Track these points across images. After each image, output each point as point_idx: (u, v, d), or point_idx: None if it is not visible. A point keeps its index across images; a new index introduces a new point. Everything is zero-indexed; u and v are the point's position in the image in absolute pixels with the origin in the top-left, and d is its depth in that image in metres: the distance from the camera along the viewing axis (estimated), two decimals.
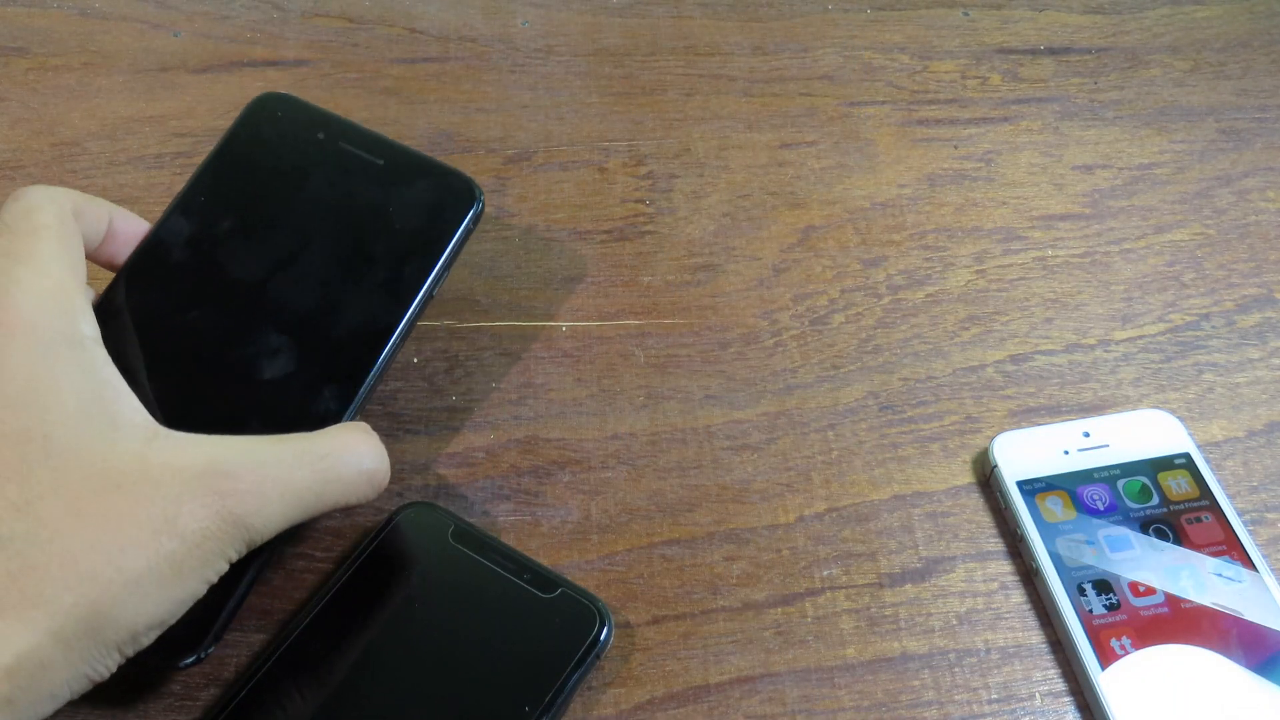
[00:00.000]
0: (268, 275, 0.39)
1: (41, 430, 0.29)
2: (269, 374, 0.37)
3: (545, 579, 0.37)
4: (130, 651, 0.29)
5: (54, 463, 0.29)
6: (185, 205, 0.42)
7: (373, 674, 0.34)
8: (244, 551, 0.31)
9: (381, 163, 0.41)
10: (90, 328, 0.33)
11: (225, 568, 0.31)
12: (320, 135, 0.43)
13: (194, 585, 0.30)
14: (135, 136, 0.53)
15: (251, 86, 0.56)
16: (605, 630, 0.36)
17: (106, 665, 0.29)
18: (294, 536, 0.39)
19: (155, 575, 0.28)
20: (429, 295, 0.39)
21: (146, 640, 0.30)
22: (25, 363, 0.30)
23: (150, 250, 0.40)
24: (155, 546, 0.28)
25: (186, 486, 0.29)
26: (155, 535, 0.28)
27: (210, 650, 0.34)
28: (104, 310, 0.38)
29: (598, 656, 0.36)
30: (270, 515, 0.31)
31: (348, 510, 0.40)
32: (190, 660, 0.34)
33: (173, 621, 0.30)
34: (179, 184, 0.51)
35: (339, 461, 0.33)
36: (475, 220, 0.40)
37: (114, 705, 0.35)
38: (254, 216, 0.41)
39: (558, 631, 0.36)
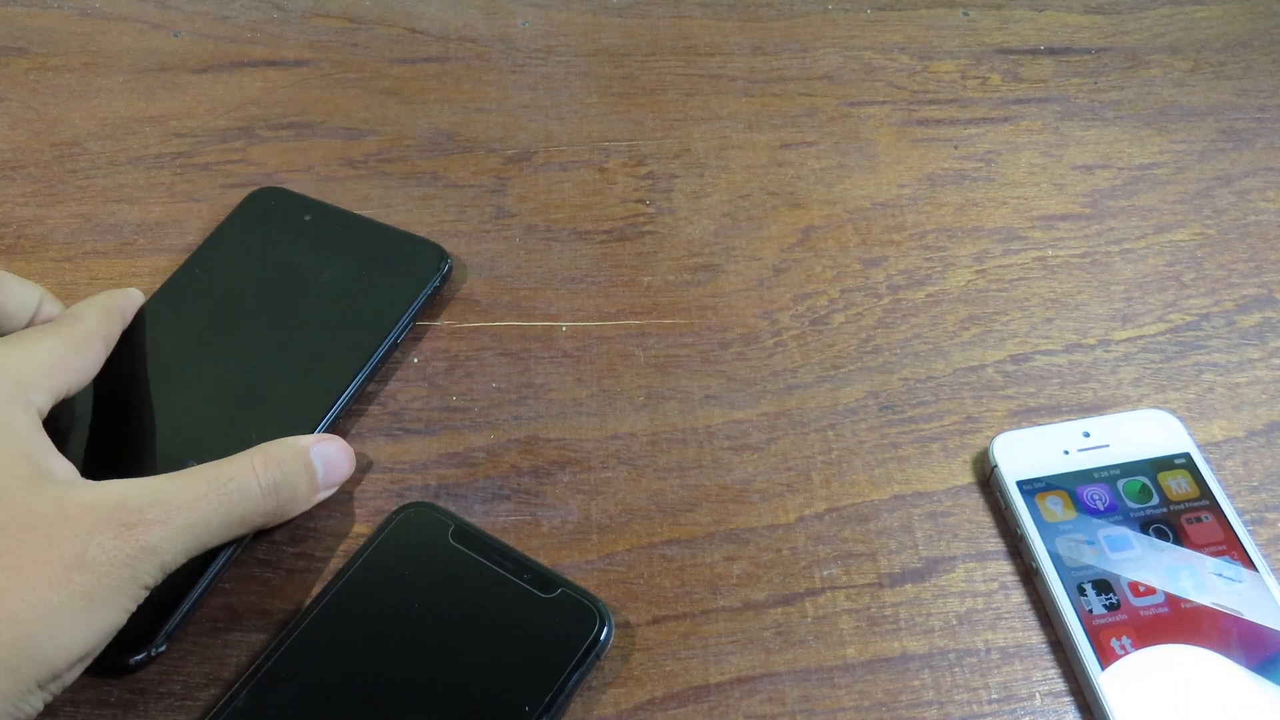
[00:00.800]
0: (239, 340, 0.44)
1: None
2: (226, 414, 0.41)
3: (545, 579, 0.37)
4: (55, 689, 0.30)
5: None
6: (175, 284, 0.46)
7: (373, 673, 0.34)
8: (159, 577, 0.32)
9: (361, 238, 0.47)
10: (37, 396, 0.35)
11: (143, 594, 0.32)
12: (307, 218, 0.48)
13: (112, 615, 0.31)
14: (135, 136, 0.53)
15: (251, 86, 0.56)
16: (605, 630, 0.36)
17: (30, 704, 0.30)
18: (290, 538, 0.39)
19: (69, 608, 0.30)
20: (392, 343, 0.44)
21: (71, 676, 0.31)
22: None
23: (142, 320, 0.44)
24: (67, 581, 0.30)
25: (96, 522, 0.31)
26: (67, 570, 0.30)
27: (162, 649, 0.35)
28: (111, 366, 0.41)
29: (598, 656, 0.36)
30: (177, 540, 0.32)
31: (346, 511, 0.40)
32: (140, 657, 0.35)
33: (96, 653, 0.31)
34: (179, 184, 0.51)
35: (242, 484, 0.35)
36: (444, 279, 0.47)
37: (115, 706, 0.35)
38: (240, 292, 0.45)
39: (558, 631, 0.36)
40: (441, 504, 0.40)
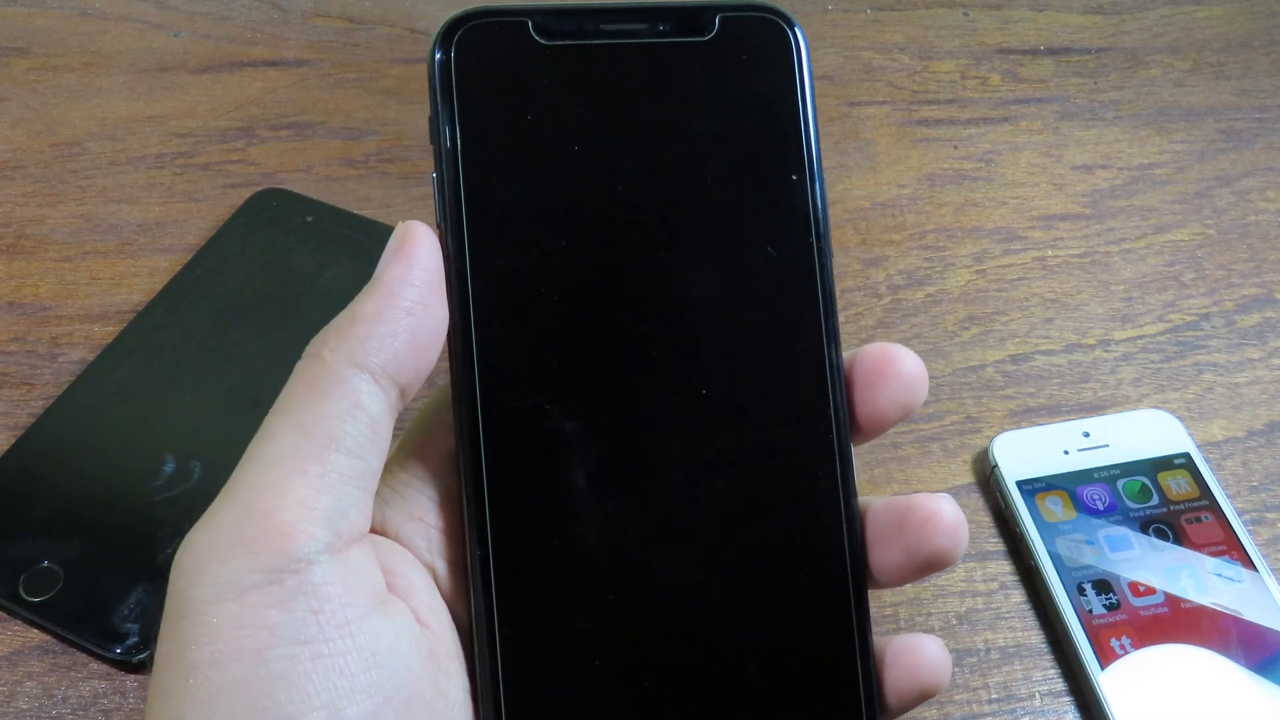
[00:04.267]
0: None
1: None
2: None
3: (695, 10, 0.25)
4: None
5: None
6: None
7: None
8: None
9: (362, 239, 0.47)
10: None
11: None
12: (309, 219, 0.47)
13: None
14: (135, 136, 0.53)
15: (251, 86, 0.56)
16: (796, 32, 0.25)
17: None
18: None
19: None
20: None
21: None
22: None
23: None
24: None
25: None
26: None
27: None
28: None
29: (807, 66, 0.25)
30: None
31: None
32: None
33: None
34: (179, 184, 0.51)
35: None
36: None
37: (121, 711, 0.35)
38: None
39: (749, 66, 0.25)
40: None
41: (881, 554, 0.24)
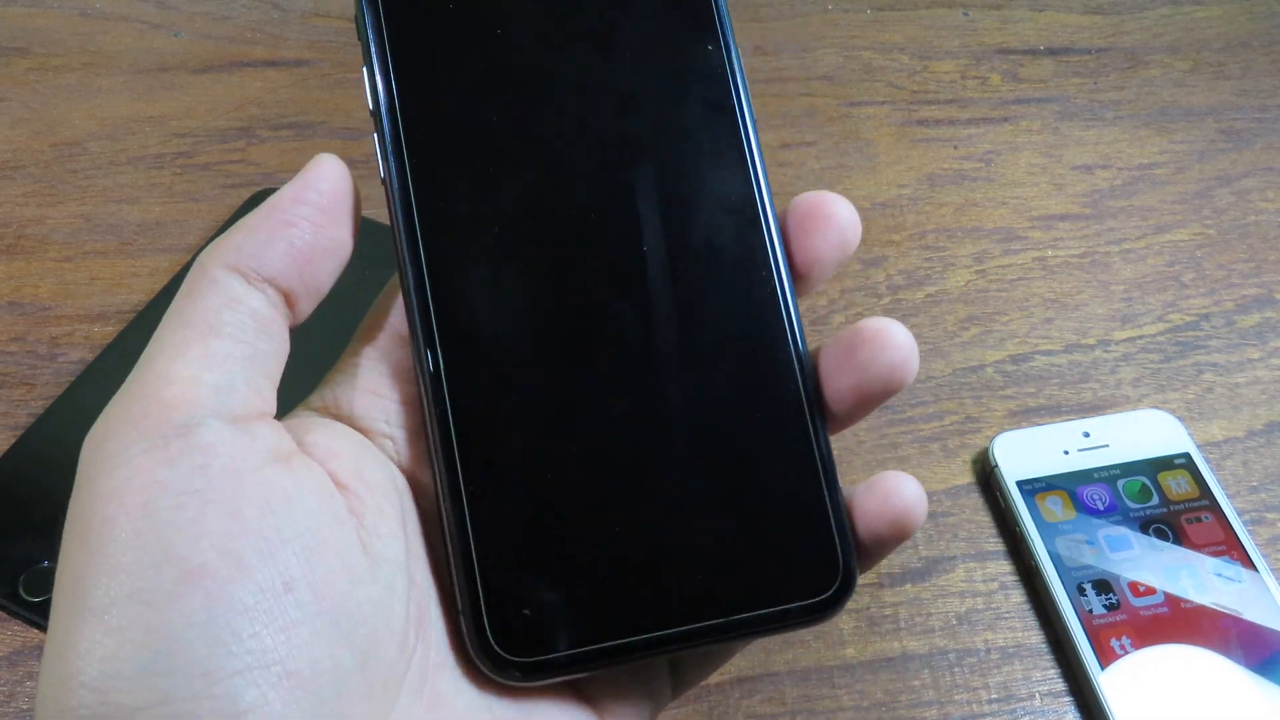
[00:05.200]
0: None
1: None
2: None
3: None
4: None
5: None
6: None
7: None
8: None
9: (362, 239, 0.46)
10: None
11: None
12: None
13: None
14: (135, 136, 0.53)
15: (251, 86, 0.56)
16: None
17: None
18: None
19: None
20: None
21: None
22: None
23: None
24: None
25: None
26: None
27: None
28: None
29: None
30: None
31: None
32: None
33: None
34: (179, 184, 0.51)
35: None
36: None
37: None
38: None
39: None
40: None
41: (835, 383, 0.24)
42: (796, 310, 0.24)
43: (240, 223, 0.22)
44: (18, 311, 0.45)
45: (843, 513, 0.23)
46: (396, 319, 0.24)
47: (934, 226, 0.51)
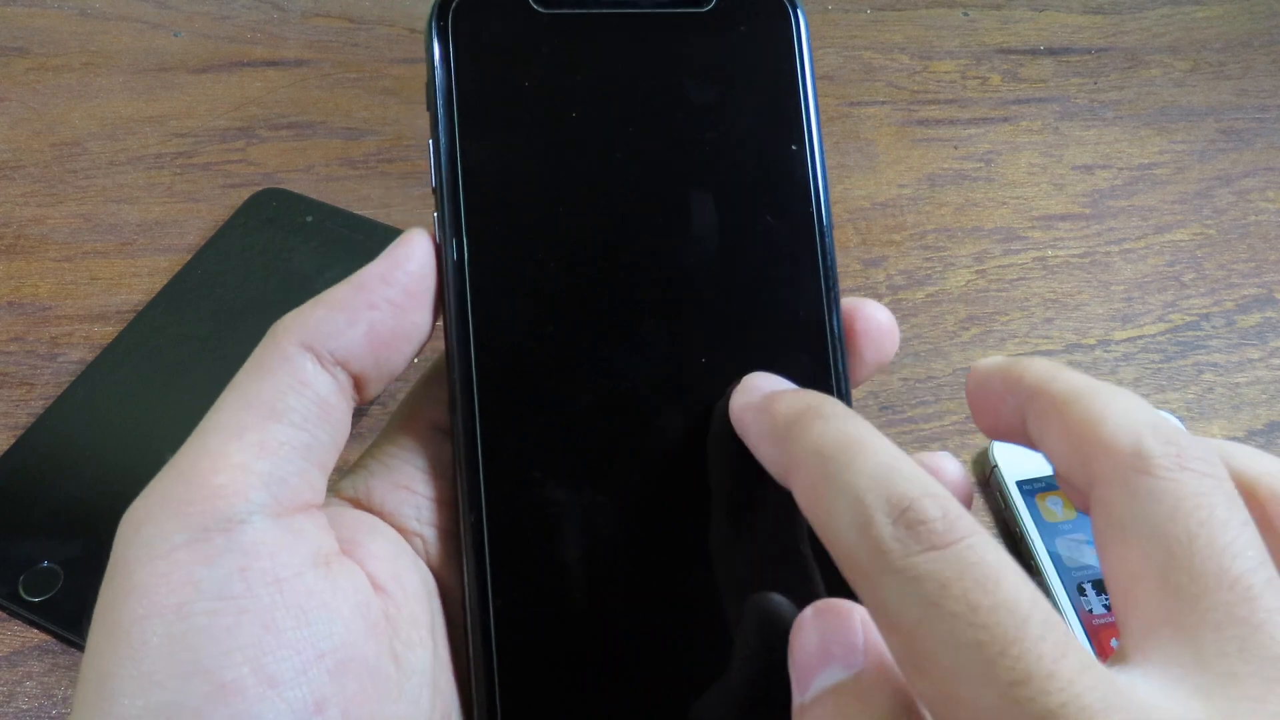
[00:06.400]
0: None
1: None
2: None
3: None
4: None
5: None
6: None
7: None
8: None
9: (362, 238, 0.47)
10: None
11: None
12: (309, 219, 0.47)
13: None
14: (135, 136, 0.53)
15: (251, 86, 0.56)
16: (795, 4, 0.25)
17: None
18: None
19: None
20: None
21: None
22: None
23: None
24: None
25: None
26: None
27: None
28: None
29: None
30: None
31: None
32: None
33: None
34: (179, 184, 0.51)
35: None
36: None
37: None
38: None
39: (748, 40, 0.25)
40: None
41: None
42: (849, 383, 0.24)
43: (323, 297, 0.21)
44: (18, 311, 0.45)
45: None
46: (432, 410, 0.23)
47: (934, 226, 0.51)
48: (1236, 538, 0.17)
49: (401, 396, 0.25)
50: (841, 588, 0.20)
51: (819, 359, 0.24)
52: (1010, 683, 0.15)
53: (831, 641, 0.18)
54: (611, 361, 0.23)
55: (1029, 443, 0.20)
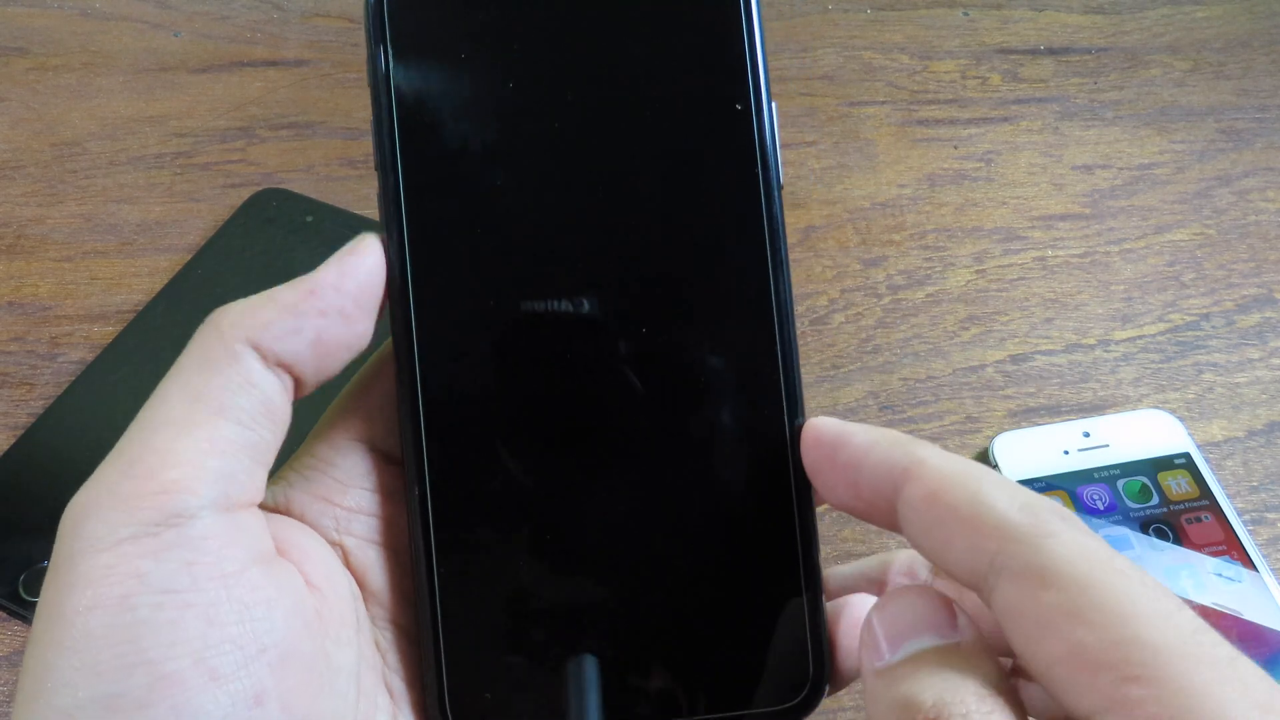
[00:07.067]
0: None
1: None
2: None
3: None
4: None
5: None
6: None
7: None
8: None
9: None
10: None
11: None
12: (309, 219, 0.48)
13: None
14: (135, 136, 0.53)
15: (251, 86, 0.56)
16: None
17: None
18: None
19: None
20: None
21: None
22: None
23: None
24: None
25: None
26: None
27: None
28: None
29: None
30: None
31: None
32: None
33: None
34: (179, 184, 0.51)
35: None
36: None
37: None
38: None
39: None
40: None
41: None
42: (793, 397, 0.24)
43: (273, 294, 0.21)
44: (18, 311, 0.45)
45: (821, 622, 0.23)
46: (352, 424, 0.24)
47: (934, 226, 0.51)
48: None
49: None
50: (755, 548, 0.23)
51: (764, 325, 0.24)
52: (1196, 630, 0.16)
53: (927, 612, 0.19)
54: (553, 345, 0.23)
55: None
